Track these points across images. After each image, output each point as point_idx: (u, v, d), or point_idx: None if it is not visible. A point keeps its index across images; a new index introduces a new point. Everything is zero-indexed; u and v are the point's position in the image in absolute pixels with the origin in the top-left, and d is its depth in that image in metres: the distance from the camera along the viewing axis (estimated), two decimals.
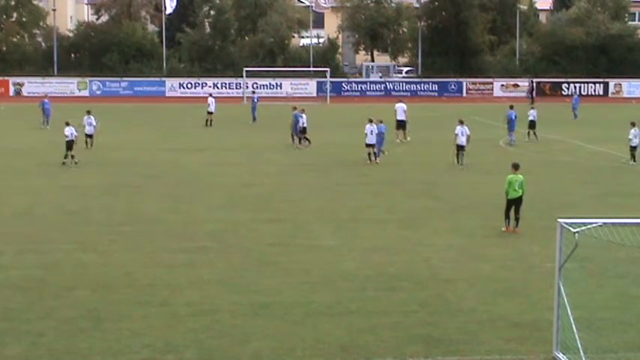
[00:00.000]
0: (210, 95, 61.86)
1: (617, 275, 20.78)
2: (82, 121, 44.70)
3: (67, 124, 39.47)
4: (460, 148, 39.06)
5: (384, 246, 24.04)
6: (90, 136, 44.48)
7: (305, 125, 45.91)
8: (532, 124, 49.40)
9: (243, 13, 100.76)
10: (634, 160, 40.26)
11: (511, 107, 49.04)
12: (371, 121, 39.97)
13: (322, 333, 16.90)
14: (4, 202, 30.38)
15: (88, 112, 45.07)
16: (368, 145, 39.89)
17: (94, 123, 44.84)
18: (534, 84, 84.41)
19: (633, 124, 40.50)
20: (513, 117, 47.76)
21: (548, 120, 56.60)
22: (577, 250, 14.93)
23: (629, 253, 19.79)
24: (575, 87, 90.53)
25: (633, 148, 40.43)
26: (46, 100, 57.29)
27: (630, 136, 40.42)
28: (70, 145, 38.96)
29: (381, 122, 41.06)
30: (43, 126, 54.67)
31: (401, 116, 49.39)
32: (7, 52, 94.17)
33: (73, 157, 38.91)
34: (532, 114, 49.84)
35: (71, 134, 38.94)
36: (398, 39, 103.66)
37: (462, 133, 39.08)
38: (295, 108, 47.57)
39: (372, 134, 39.72)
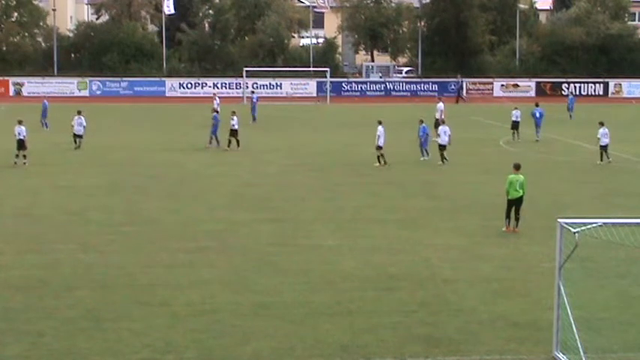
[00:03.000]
0: (215, 95, 61.68)
1: (617, 275, 20.78)
2: (72, 121, 44.88)
3: (20, 122, 39.01)
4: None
5: (384, 246, 24.04)
6: (80, 136, 44.60)
7: (236, 127, 44.95)
8: (515, 125, 49.68)
9: (243, 13, 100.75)
10: (601, 160, 40.28)
11: (537, 105, 51.59)
12: (421, 121, 40.38)
13: (322, 333, 16.90)
14: (4, 202, 30.38)
15: (79, 113, 45.28)
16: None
17: (84, 123, 44.94)
18: (462, 82, 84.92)
19: (602, 124, 40.47)
20: (538, 115, 49.70)
21: (548, 120, 56.57)
22: (577, 250, 14.93)
23: (629, 253, 19.81)
24: (575, 87, 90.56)
25: (603, 148, 40.41)
26: (44, 101, 57.29)
27: (599, 136, 40.39)
28: (20, 144, 38.29)
29: (422, 122, 41.51)
30: (44, 128, 54.50)
31: (438, 115, 50.87)
32: (7, 52, 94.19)
33: (25, 156, 38.31)
34: (515, 114, 49.96)
35: (20, 133, 38.35)
36: (398, 39, 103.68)
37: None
38: (215, 111, 46.67)
39: (445, 134, 39.87)
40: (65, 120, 46.14)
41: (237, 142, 44.90)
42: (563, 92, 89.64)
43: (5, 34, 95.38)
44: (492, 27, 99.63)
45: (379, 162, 39.32)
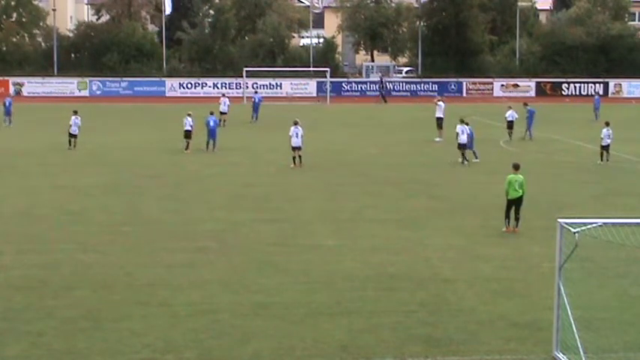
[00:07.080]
0: (224, 95, 61.17)
1: (617, 275, 20.79)
2: (70, 121, 44.89)
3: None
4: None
5: (384, 246, 24.04)
6: (75, 136, 44.59)
7: (189, 129, 43.98)
8: (510, 124, 49.74)
9: (243, 13, 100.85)
10: (602, 160, 40.32)
11: (525, 104, 51.98)
12: (463, 122, 40.15)
13: (322, 333, 16.89)
14: (4, 202, 30.37)
15: (75, 112, 45.35)
16: (461, 146, 39.91)
17: (79, 123, 44.99)
18: (384, 82, 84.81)
19: (607, 124, 40.50)
20: (530, 114, 50.30)
21: (549, 120, 56.68)
22: (577, 250, 14.93)
23: (629, 253, 19.79)
24: (575, 87, 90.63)
25: (604, 148, 40.42)
26: (8, 99, 57.34)
27: (602, 136, 40.43)
28: None
29: (467, 124, 41.33)
30: (5, 124, 54.51)
31: (439, 114, 51.08)
32: (7, 52, 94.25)
33: None
34: (511, 115, 49.99)
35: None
36: (398, 39, 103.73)
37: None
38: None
39: (463, 134, 39.90)
40: (66, 120, 46.10)
41: (187, 143, 43.94)
42: (563, 92, 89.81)
43: (5, 34, 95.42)
44: (492, 27, 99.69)
45: (294, 163, 38.86)
